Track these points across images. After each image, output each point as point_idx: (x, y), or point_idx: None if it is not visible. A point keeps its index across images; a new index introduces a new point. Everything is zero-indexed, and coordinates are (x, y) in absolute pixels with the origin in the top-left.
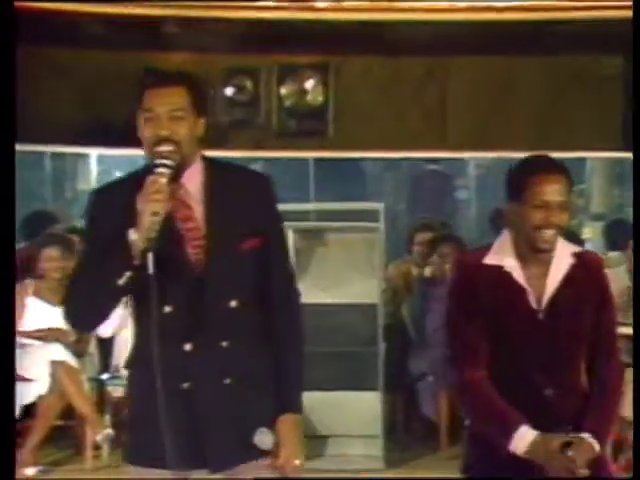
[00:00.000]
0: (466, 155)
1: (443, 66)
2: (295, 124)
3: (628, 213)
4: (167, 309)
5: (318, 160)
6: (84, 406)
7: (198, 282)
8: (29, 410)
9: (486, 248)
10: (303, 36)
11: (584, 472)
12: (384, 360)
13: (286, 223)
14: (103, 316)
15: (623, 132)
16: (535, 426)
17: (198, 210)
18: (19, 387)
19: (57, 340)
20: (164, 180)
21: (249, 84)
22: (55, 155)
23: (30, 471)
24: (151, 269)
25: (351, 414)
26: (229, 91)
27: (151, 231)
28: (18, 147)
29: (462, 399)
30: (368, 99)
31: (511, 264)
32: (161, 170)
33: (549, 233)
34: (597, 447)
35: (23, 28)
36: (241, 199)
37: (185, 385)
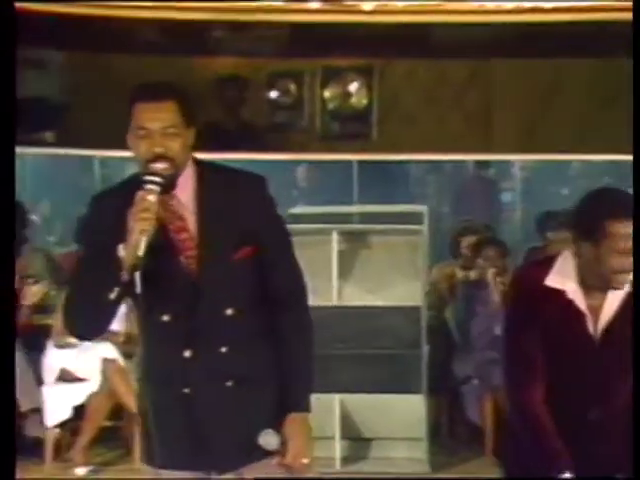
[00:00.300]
0: (511, 158)
1: (487, 69)
2: (339, 127)
3: None
4: (165, 318)
5: (362, 163)
6: (134, 406)
7: (194, 292)
8: (80, 410)
9: (545, 264)
10: (347, 39)
11: None
12: (428, 363)
13: (330, 226)
14: (101, 325)
15: None
16: (585, 451)
17: (191, 220)
18: (70, 387)
19: (107, 340)
20: (153, 198)
21: (293, 87)
22: (104, 160)
23: (81, 471)
24: (139, 288)
25: (395, 417)
26: (273, 94)
27: (138, 249)
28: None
29: (516, 416)
30: (412, 102)
31: (573, 289)
32: (150, 187)
33: (626, 277)
34: None
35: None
36: (234, 205)
37: (186, 390)
